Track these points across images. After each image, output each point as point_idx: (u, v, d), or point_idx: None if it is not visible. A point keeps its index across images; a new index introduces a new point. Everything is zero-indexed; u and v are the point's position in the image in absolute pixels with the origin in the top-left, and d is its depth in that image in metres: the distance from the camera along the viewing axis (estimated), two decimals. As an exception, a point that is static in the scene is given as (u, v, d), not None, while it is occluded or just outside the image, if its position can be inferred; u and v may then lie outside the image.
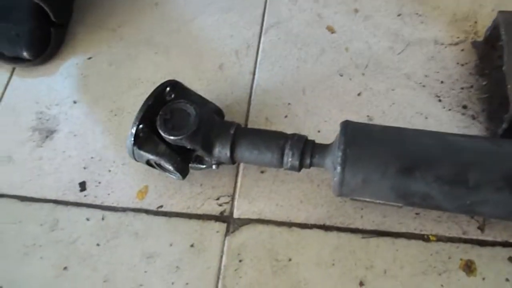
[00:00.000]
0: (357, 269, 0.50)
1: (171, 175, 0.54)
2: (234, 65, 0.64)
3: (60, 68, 0.68)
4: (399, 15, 0.65)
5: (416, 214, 0.53)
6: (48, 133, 0.63)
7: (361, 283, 0.50)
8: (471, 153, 0.45)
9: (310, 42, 0.65)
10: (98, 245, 0.55)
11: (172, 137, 0.49)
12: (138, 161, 0.54)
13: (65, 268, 0.54)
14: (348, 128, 0.47)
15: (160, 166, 0.53)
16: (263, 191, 0.56)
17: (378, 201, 0.48)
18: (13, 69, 0.69)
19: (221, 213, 0.55)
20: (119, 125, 0.62)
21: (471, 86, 0.59)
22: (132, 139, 0.51)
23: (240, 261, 0.52)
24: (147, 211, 0.56)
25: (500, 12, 0.55)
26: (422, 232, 0.51)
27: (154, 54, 0.66)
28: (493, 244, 0.51)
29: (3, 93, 0.67)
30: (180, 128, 0.49)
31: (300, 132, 0.51)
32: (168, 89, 0.52)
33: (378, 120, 0.58)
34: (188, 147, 0.50)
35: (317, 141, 0.51)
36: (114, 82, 0.65)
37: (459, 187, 0.42)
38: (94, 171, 0.60)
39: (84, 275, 0.53)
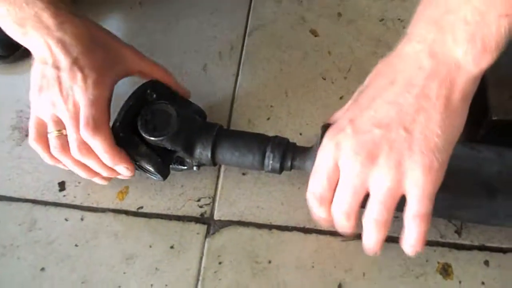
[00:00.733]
0: (336, 272, 0.51)
1: (152, 176, 0.54)
2: (218, 67, 0.64)
3: (42, 66, 0.67)
4: (381, 20, 0.66)
5: (396, 217, 0.53)
6: (28, 132, 0.62)
7: (340, 286, 0.50)
8: (450, 158, 0.46)
9: (293, 45, 0.65)
10: (76, 245, 0.55)
11: (153, 138, 0.49)
12: None
13: (42, 269, 0.54)
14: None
15: (140, 167, 0.53)
16: (244, 193, 0.56)
17: None
18: (-7, 66, 0.68)
19: (202, 214, 0.55)
20: (100, 125, 0.61)
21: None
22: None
23: (220, 263, 0.52)
24: (127, 212, 0.56)
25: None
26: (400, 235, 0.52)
27: (137, 54, 0.66)
28: (470, 248, 0.51)
29: (-18, 91, 0.66)
30: (161, 129, 0.49)
31: (282, 135, 0.51)
32: (149, 90, 0.51)
33: (360, 124, 0.58)
34: (169, 148, 0.50)
35: (298, 143, 0.51)
36: (96, 81, 0.65)
37: (438, 191, 0.43)
38: (74, 171, 0.59)
39: (62, 276, 0.53)
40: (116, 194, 0.57)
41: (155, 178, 0.54)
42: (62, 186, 0.58)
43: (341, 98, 0.61)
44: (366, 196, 0.41)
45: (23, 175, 0.59)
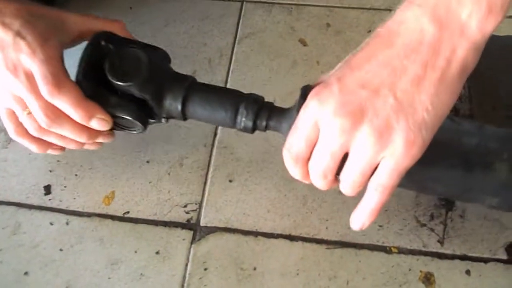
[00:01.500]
0: (320, 280, 0.51)
1: (132, 131, 0.51)
2: (207, 73, 0.65)
3: (29, 68, 0.67)
4: (369, 31, 0.67)
5: (380, 226, 0.54)
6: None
7: (324, 293, 0.51)
8: None
9: (282, 53, 0.66)
10: (61, 250, 0.54)
11: (121, 83, 0.45)
12: None
13: (26, 273, 0.53)
14: (307, 92, 0.43)
15: (117, 125, 0.50)
16: (231, 199, 0.56)
17: None
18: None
19: (188, 220, 0.55)
20: (88, 129, 0.61)
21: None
22: None
23: (205, 269, 0.52)
24: (112, 217, 0.56)
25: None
26: (385, 244, 0.53)
27: (127, 59, 0.66)
28: (452, 257, 0.52)
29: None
30: (130, 74, 0.45)
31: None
32: (103, 42, 0.47)
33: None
34: (137, 96, 0.46)
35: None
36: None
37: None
38: (60, 175, 0.59)
39: (46, 281, 0.52)
40: (102, 198, 0.57)
41: (135, 132, 0.51)
42: (47, 189, 0.58)
43: (328, 107, 0.61)
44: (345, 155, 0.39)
45: (8, 178, 0.59)
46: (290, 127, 0.41)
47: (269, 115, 0.46)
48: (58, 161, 0.60)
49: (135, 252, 0.54)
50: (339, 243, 0.53)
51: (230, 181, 0.57)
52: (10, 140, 0.61)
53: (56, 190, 0.58)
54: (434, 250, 0.53)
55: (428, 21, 0.34)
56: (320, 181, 0.42)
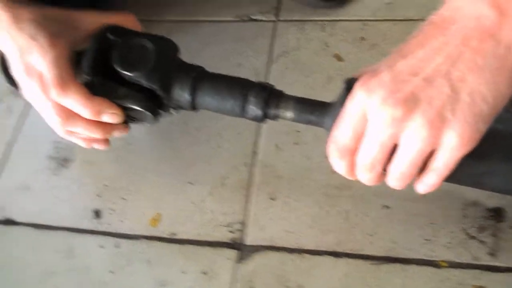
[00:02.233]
0: (367, 296, 0.51)
1: (144, 122, 0.51)
2: (244, 93, 0.66)
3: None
4: (404, 42, 0.66)
5: (426, 240, 0.53)
6: (64, 162, 0.65)
7: (372, 310, 0.50)
8: None
9: (317, 70, 0.66)
10: (111, 272, 0.56)
11: (128, 73, 0.45)
12: None
13: (79, 295, 0.55)
14: (353, 83, 0.41)
15: (129, 117, 0.50)
16: (274, 217, 0.57)
17: None
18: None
19: (233, 240, 0.56)
20: (132, 153, 0.64)
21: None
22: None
23: (252, 288, 0.53)
24: (160, 239, 0.57)
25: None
26: (432, 258, 0.52)
27: (166, 84, 0.68)
28: (504, 269, 0.50)
29: (20, 122, 0.69)
30: (137, 64, 0.45)
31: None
32: (111, 36, 0.47)
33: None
34: (145, 86, 0.46)
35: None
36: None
37: (469, 155, 0.37)
38: (108, 199, 0.61)
39: (98, 303, 0.54)
40: (149, 220, 0.59)
41: (147, 123, 0.51)
42: (97, 213, 0.60)
43: (366, 121, 0.61)
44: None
45: (59, 203, 0.62)
46: (333, 121, 0.40)
47: (311, 110, 0.44)
48: (106, 185, 0.62)
49: (183, 272, 0.55)
50: (384, 259, 0.52)
51: (272, 199, 0.58)
52: (60, 168, 0.64)
53: (104, 214, 0.60)
54: (485, 263, 0.51)
55: (486, 6, 0.32)
56: (367, 174, 0.40)
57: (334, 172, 0.42)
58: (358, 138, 0.38)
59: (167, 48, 0.48)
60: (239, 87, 0.45)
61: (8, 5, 0.47)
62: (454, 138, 0.34)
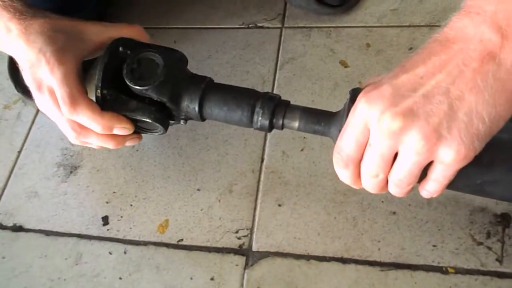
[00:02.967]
0: (376, 302, 0.51)
1: (154, 133, 0.52)
2: (251, 100, 0.66)
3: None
4: (410, 48, 0.67)
5: (434, 246, 0.53)
6: (73, 169, 0.65)
7: (380, 316, 0.50)
8: None
9: (324, 76, 0.67)
10: (120, 278, 0.57)
11: (138, 87, 0.46)
12: None
13: (88, 301, 0.56)
14: (357, 94, 0.42)
15: (140, 128, 0.51)
16: (281, 224, 0.57)
17: None
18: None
19: (240, 246, 0.56)
20: (140, 160, 0.64)
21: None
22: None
23: (260, 294, 0.53)
24: (167, 245, 0.58)
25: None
26: (440, 264, 0.52)
27: (173, 91, 0.69)
28: (512, 275, 0.51)
29: (29, 130, 0.70)
30: (147, 78, 0.46)
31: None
32: (121, 48, 0.48)
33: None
34: (155, 99, 0.47)
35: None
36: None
37: (471, 164, 0.37)
38: (116, 206, 0.61)
39: (107, 309, 0.55)
40: (156, 227, 0.59)
41: (157, 134, 0.52)
42: (105, 220, 0.61)
43: (373, 127, 0.61)
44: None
45: (68, 210, 0.62)
46: (339, 131, 0.41)
47: (318, 119, 0.45)
48: (114, 192, 0.62)
49: (191, 278, 0.55)
50: (393, 265, 0.52)
51: (279, 205, 0.58)
52: (69, 174, 0.65)
53: (113, 220, 0.60)
54: (493, 269, 0.51)
55: (488, 29, 0.33)
56: (371, 182, 0.40)
57: (341, 179, 0.42)
58: (361, 148, 0.39)
59: (176, 60, 0.49)
60: (246, 98, 0.46)
61: (19, 16, 0.47)
62: (448, 154, 0.35)
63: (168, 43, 0.74)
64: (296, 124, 0.46)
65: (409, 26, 0.69)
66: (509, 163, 0.42)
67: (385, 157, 0.37)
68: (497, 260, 0.51)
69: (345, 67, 0.67)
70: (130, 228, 0.60)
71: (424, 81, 0.35)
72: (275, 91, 0.67)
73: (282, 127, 0.46)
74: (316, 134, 0.46)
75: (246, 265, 0.55)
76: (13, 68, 0.69)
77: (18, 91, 0.69)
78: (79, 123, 0.48)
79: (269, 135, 0.63)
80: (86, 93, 0.49)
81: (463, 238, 0.53)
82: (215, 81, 0.49)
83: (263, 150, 0.62)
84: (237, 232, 0.57)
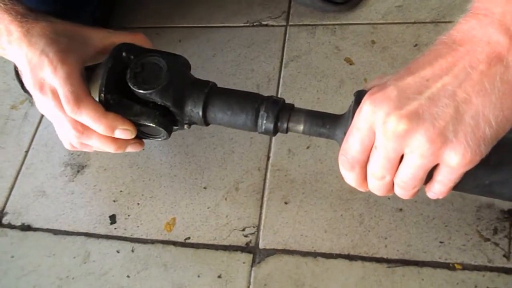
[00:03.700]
0: (383, 299, 0.51)
1: (157, 138, 0.52)
2: (256, 98, 0.67)
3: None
4: (415, 45, 0.66)
5: (441, 242, 0.53)
6: (80, 168, 0.66)
7: (388, 313, 0.50)
8: None
9: (329, 74, 0.67)
10: (128, 276, 0.57)
11: (142, 91, 0.46)
12: None
13: (97, 300, 0.56)
14: (362, 96, 0.42)
15: (143, 133, 0.51)
16: (288, 221, 0.57)
17: None
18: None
19: (247, 244, 0.57)
20: (147, 159, 0.64)
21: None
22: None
23: (267, 291, 0.53)
24: (175, 243, 0.58)
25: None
26: (447, 261, 0.52)
27: (179, 89, 0.69)
28: (520, 272, 0.51)
29: (36, 130, 0.71)
30: (150, 82, 0.46)
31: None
32: (124, 53, 0.48)
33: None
34: (159, 103, 0.47)
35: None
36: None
37: (479, 165, 0.37)
38: (124, 204, 0.62)
39: (116, 307, 0.55)
40: (163, 225, 0.59)
41: (160, 139, 0.52)
42: (113, 219, 0.61)
43: (379, 124, 0.61)
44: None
45: (76, 209, 0.63)
46: (344, 134, 0.41)
47: (322, 122, 0.45)
48: (121, 191, 0.63)
49: (198, 276, 0.55)
50: (400, 261, 0.52)
51: (286, 203, 0.58)
52: (76, 174, 0.65)
53: (120, 219, 0.61)
54: (501, 265, 0.51)
55: (496, 31, 0.32)
56: (377, 184, 0.40)
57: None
58: (367, 150, 0.39)
59: (179, 65, 0.49)
60: (250, 102, 0.46)
61: (20, 19, 0.47)
62: (454, 158, 0.34)
63: (173, 42, 0.75)
64: (300, 127, 0.46)
65: (414, 22, 0.68)
66: None
67: (391, 160, 0.37)
68: (504, 256, 0.51)
69: (350, 64, 0.67)
70: (138, 226, 0.60)
71: (430, 83, 0.34)
72: (280, 89, 0.67)
73: (287, 130, 0.46)
74: (321, 137, 0.46)
75: (253, 263, 0.55)
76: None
77: (24, 91, 0.69)
78: (82, 123, 0.48)
79: (274, 133, 0.63)
80: (90, 93, 0.49)
81: (470, 234, 0.53)
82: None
83: (269, 148, 0.62)
84: (244, 229, 0.57)
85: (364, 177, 0.41)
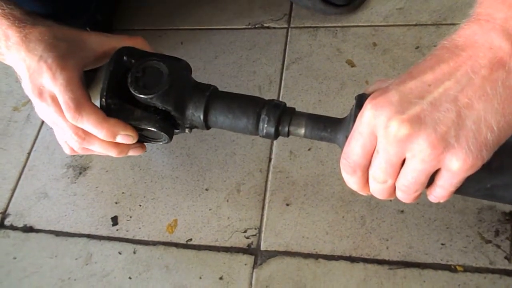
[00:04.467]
0: (384, 301, 0.51)
1: (158, 142, 0.52)
2: (258, 100, 0.67)
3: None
4: (417, 47, 0.67)
5: (442, 244, 0.53)
6: (82, 170, 0.66)
7: (389, 315, 0.50)
8: None
9: (330, 76, 0.67)
10: (130, 278, 0.57)
11: (143, 96, 0.46)
12: None
13: (99, 301, 0.56)
14: (363, 100, 0.41)
15: (144, 137, 0.51)
16: (289, 223, 0.57)
17: None
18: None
19: (249, 245, 0.57)
20: (149, 160, 0.65)
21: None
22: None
23: (269, 293, 0.53)
24: (176, 245, 0.58)
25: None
26: (449, 263, 0.52)
27: (181, 91, 0.69)
28: (521, 274, 0.51)
29: (38, 131, 0.71)
30: (151, 86, 0.46)
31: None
32: (125, 57, 0.48)
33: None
34: (160, 107, 0.47)
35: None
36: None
37: (480, 169, 0.37)
38: (125, 206, 0.62)
39: (117, 308, 0.55)
40: (165, 227, 0.59)
41: (161, 143, 0.52)
42: (114, 220, 0.61)
43: (380, 126, 0.62)
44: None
45: (78, 211, 0.63)
46: (346, 137, 0.41)
47: (324, 126, 0.45)
48: (123, 193, 0.63)
49: (200, 278, 0.55)
50: (401, 263, 0.53)
51: (287, 204, 0.58)
52: (78, 175, 0.65)
53: (122, 220, 0.61)
54: (502, 267, 0.51)
55: (498, 36, 0.33)
56: (379, 188, 0.40)
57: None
58: (369, 154, 0.39)
59: (180, 69, 0.49)
60: (251, 106, 0.46)
61: (18, 25, 0.47)
62: (455, 163, 0.34)
63: (175, 44, 0.75)
64: (302, 131, 0.46)
65: (415, 25, 0.69)
66: None
67: (393, 164, 0.37)
68: (506, 258, 0.51)
69: (352, 66, 0.67)
70: (139, 228, 0.60)
71: (432, 88, 0.34)
72: (281, 91, 0.67)
73: (288, 134, 0.46)
74: (323, 140, 0.46)
75: (255, 265, 0.55)
76: None
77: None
78: (83, 129, 0.48)
79: (276, 135, 0.63)
80: (90, 99, 0.48)
81: (472, 236, 0.53)
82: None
83: (271, 149, 0.63)
84: (245, 231, 0.58)
85: (366, 181, 0.41)
